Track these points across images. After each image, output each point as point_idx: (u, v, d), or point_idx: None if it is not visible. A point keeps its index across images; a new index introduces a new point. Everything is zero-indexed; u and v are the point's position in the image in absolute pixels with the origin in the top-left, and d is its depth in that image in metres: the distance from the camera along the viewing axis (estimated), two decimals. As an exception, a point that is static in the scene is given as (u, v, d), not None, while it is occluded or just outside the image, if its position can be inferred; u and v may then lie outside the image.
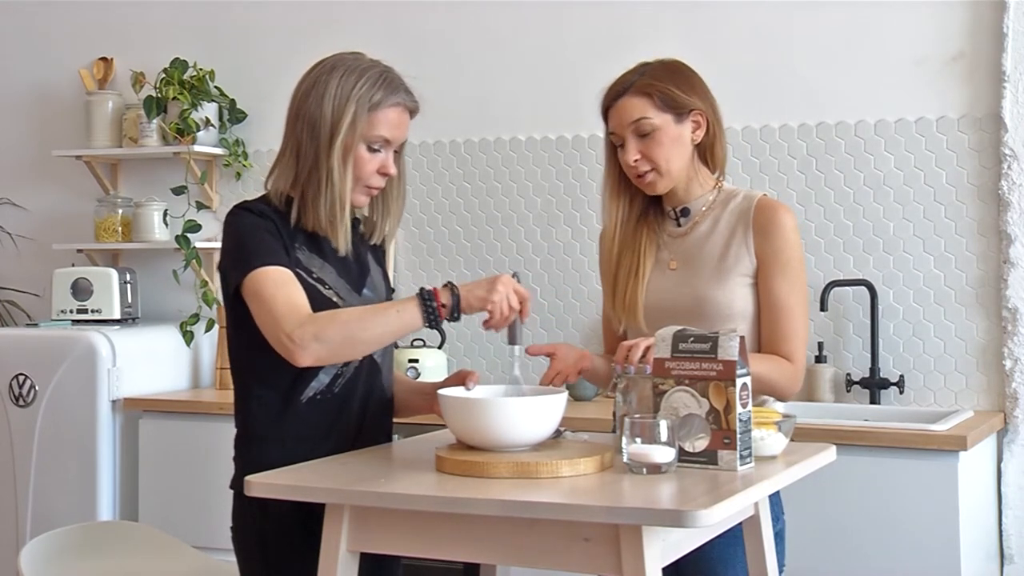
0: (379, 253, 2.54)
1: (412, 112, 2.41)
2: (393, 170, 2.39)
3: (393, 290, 2.62)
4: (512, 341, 2.33)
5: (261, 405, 2.35)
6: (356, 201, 2.39)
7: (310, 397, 2.34)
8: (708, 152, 2.54)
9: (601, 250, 2.64)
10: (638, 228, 2.55)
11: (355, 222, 2.44)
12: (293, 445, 2.32)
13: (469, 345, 4.16)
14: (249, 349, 2.32)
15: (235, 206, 2.38)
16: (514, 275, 2.32)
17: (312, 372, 2.33)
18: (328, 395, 2.36)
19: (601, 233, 2.65)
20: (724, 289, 2.46)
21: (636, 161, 2.46)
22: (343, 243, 2.37)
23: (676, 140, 2.47)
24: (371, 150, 2.34)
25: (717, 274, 2.47)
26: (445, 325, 4.02)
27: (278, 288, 2.24)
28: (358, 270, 2.44)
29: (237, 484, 2.35)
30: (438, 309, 2.23)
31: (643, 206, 2.57)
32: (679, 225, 2.55)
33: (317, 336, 2.18)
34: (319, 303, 2.30)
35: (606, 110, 2.50)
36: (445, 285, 2.26)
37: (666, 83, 2.46)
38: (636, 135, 2.45)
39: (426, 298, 2.23)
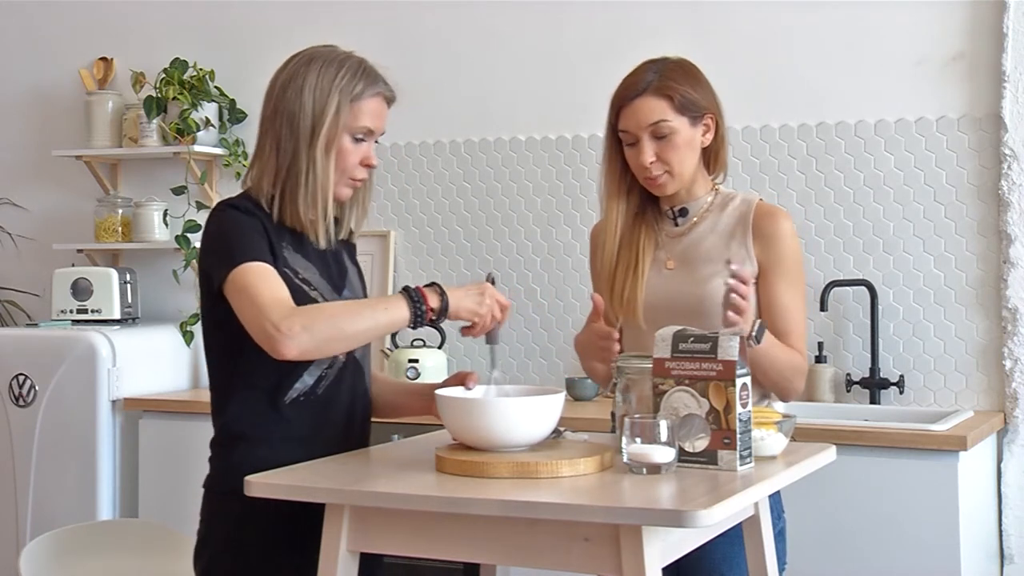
0: (352, 251, 2.52)
1: (390, 102, 2.40)
2: (376, 161, 2.38)
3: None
4: (490, 341, 2.34)
5: (244, 407, 2.32)
6: (340, 194, 2.36)
7: (294, 399, 2.31)
8: (713, 155, 2.54)
9: (596, 244, 2.63)
10: (636, 225, 2.55)
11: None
12: (278, 447, 2.29)
13: (469, 345, 4.16)
14: (231, 350, 2.29)
15: (219, 203, 2.35)
16: (490, 278, 2.33)
17: (297, 373, 2.30)
18: (312, 396, 2.33)
19: (598, 227, 2.64)
20: (724, 288, 2.46)
21: (652, 163, 2.45)
22: (323, 237, 2.34)
23: (689, 143, 2.47)
24: (355, 141, 2.33)
25: (717, 273, 2.46)
26: (446, 325, 4.04)
27: (262, 281, 2.20)
28: (337, 269, 2.42)
29: (213, 484, 2.34)
30: (426, 311, 2.22)
31: (640, 203, 2.56)
32: (677, 225, 2.55)
33: (305, 327, 2.14)
34: (305, 304, 2.28)
35: (619, 108, 2.49)
36: (429, 286, 2.24)
37: (684, 85, 2.45)
38: (652, 137, 2.44)
39: (415, 298, 2.21)
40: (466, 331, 2.30)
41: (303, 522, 2.17)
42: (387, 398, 2.53)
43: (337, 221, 2.41)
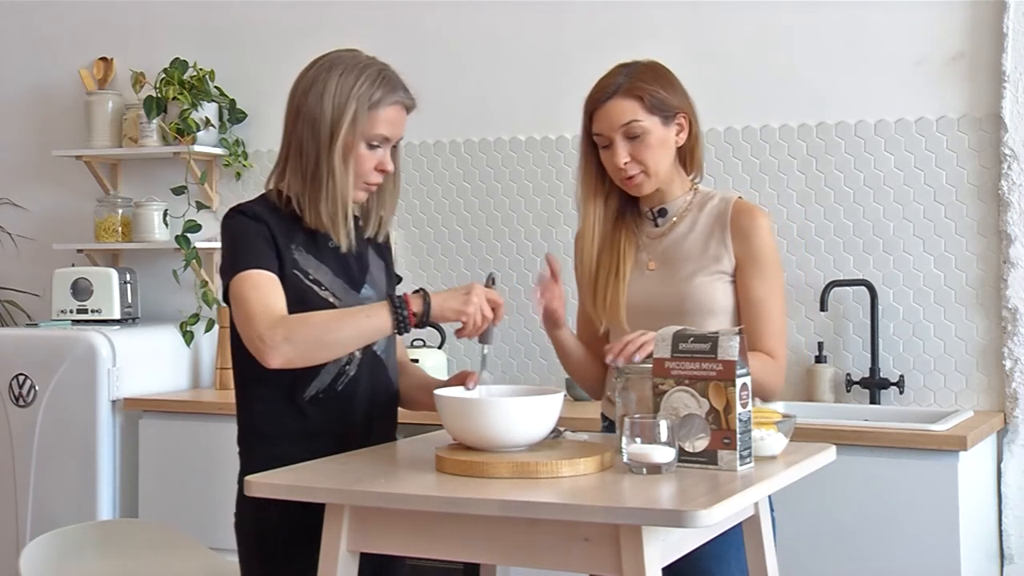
0: (382, 248, 2.54)
1: (409, 109, 2.42)
2: (391, 167, 2.41)
3: (400, 279, 2.63)
4: (483, 340, 2.34)
5: (264, 404, 2.37)
6: (357, 198, 2.40)
7: (312, 395, 2.36)
8: (688, 154, 2.57)
9: (577, 250, 2.64)
10: (616, 229, 2.58)
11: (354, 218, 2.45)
12: (297, 443, 2.33)
13: (469, 345, 4.15)
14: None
15: (230, 209, 2.40)
16: (490, 278, 2.34)
17: (313, 371, 2.34)
18: (331, 393, 2.37)
19: (578, 233, 2.65)
20: (705, 285, 2.48)
21: (626, 163, 2.47)
22: (345, 240, 2.38)
23: (663, 142, 2.49)
24: (370, 147, 2.36)
25: (698, 271, 2.50)
26: (445, 326, 4.04)
27: (254, 291, 2.25)
28: (357, 267, 2.44)
29: (240, 478, 2.38)
30: (408, 316, 2.24)
31: (619, 206, 2.58)
32: (657, 225, 2.57)
33: (287, 338, 2.19)
34: (316, 305, 2.32)
35: (592, 112, 2.50)
36: (416, 291, 2.28)
37: (654, 86, 2.48)
38: (625, 137, 2.47)
39: (397, 304, 2.24)
40: (459, 332, 2.31)
41: (318, 515, 2.18)
42: (411, 393, 2.56)
43: (358, 220, 2.45)
